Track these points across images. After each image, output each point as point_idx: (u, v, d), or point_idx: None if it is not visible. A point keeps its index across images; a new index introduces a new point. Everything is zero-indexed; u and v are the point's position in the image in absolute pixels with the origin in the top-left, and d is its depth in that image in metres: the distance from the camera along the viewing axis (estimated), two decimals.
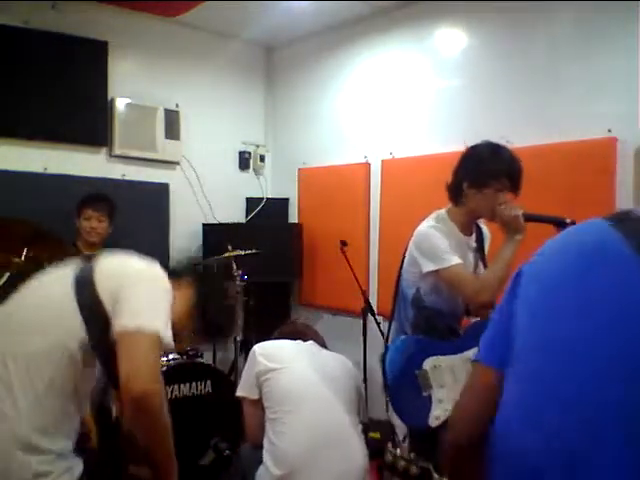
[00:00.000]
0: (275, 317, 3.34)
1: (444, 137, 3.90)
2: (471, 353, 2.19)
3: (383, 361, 2.39)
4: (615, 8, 3.09)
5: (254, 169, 5.14)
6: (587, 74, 3.24)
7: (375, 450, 2.38)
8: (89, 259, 1.66)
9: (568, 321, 0.98)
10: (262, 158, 5.17)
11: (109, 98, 4.26)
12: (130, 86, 4.36)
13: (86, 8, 4.11)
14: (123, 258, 1.68)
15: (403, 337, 2.38)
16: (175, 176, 4.65)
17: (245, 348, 4.35)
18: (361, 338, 3.88)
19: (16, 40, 3.84)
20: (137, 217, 4.25)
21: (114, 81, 4.27)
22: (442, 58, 3.99)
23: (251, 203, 5.03)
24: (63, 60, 4.04)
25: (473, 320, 2.50)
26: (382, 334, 3.47)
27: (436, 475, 1.17)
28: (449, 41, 3.95)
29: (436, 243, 2.31)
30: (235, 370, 4.01)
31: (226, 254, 3.91)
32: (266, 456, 2.30)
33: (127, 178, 4.37)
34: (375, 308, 3.88)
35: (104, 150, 4.31)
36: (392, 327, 2.53)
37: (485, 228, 2.54)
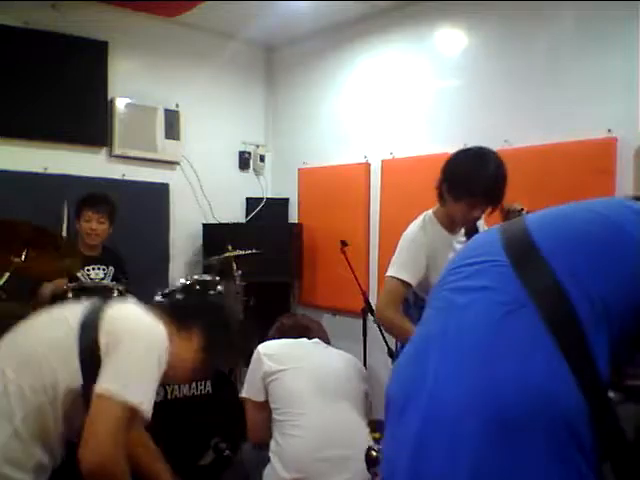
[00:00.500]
0: (275, 317, 3.34)
1: (444, 137, 3.90)
2: None
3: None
4: (615, 8, 3.09)
5: (254, 169, 5.14)
6: (587, 74, 3.24)
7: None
8: (100, 302, 1.65)
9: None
10: (262, 158, 5.17)
11: (109, 98, 4.26)
12: (130, 86, 4.36)
13: (86, 8, 4.11)
14: (130, 311, 1.65)
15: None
16: (175, 176, 4.65)
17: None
18: (361, 338, 3.88)
19: (16, 40, 3.84)
20: (137, 217, 4.25)
21: (114, 81, 4.27)
22: (442, 58, 3.99)
23: (251, 203, 5.03)
24: (63, 60, 4.04)
25: None
26: (382, 334, 3.47)
27: None
28: (449, 41, 3.95)
29: (402, 253, 2.39)
30: (235, 370, 4.00)
31: (226, 254, 3.91)
32: (274, 458, 2.27)
33: (127, 178, 4.37)
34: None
35: (104, 150, 4.31)
36: None
37: (482, 224, 2.52)
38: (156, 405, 1.55)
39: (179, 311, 1.78)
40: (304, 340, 2.55)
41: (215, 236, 4.51)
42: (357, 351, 3.85)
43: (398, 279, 2.34)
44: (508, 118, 3.54)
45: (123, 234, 3.84)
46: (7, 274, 2.75)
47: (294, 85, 5.02)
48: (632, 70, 3.01)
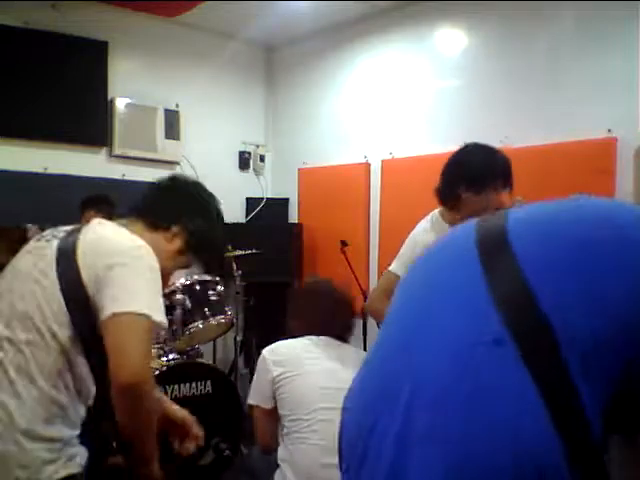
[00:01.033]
0: (275, 317, 3.33)
1: (444, 137, 3.90)
2: None
3: None
4: (615, 8, 3.09)
5: (254, 169, 5.14)
6: (587, 74, 3.24)
7: None
8: (74, 230, 1.59)
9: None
10: (262, 158, 5.17)
11: (109, 98, 4.26)
12: (130, 86, 4.36)
13: (86, 8, 4.11)
14: (108, 232, 1.59)
15: None
16: None
17: (245, 348, 4.36)
18: (361, 338, 3.88)
19: (16, 40, 3.84)
20: None
21: (114, 81, 4.27)
22: (442, 58, 3.99)
23: (251, 203, 5.03)
24: (63, 60, 4.04)
25: None
26: None
27: None
28: (449, 41, 3.95)
29: (404, 249, 2.40)
30: (235, 370, 4.01)
31: (226, 254, 3.91)
32: (284, 465, 2.20)
33: (127, 178, 4.37)
34: None
35: (104, 150, 4.31)
36: None
37: None
38: None
39: (156, 212, 1.73)
40: (310, 341, 2.40)
41: None
42: None
43: (394, 274, 2.37)
44: (508, 118, 3.54)
45: None
46: None
47: (294, 85, 5.02)
48: (632, 70, 3.01)
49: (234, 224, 4.81)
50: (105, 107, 4.24)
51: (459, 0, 3.79)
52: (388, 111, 4.30)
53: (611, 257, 0.80)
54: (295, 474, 2.17)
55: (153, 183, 1.87)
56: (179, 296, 3.28)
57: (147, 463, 1.53)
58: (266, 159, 5.21)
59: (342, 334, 2.50)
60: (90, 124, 4.19)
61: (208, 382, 3.26)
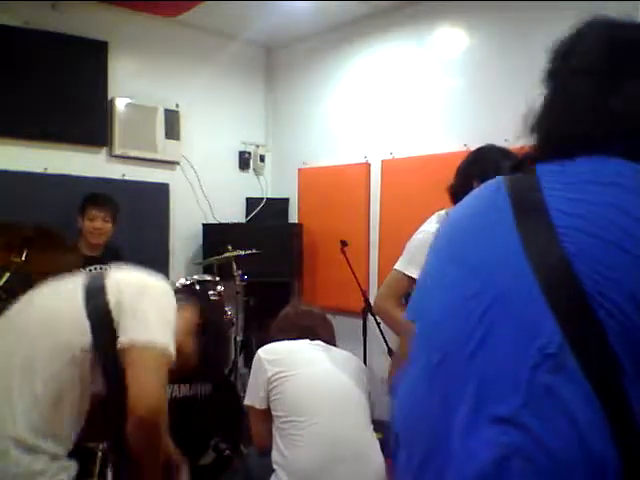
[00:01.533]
0: (275, 317, 3.33)
1: (444, 137, 3.90)
2: None
3: None
4: (615, 8, 3.09)
5: (254, 169, 5.14)
6: None
7: None
8: (100, 272, 1.70)
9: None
10: (262, 158, 5.17)
11: (109, 98, 4.26)
12: (130, 86, 4.36)
13: (86, 8, 4.11)
14: (133, 271, 1.70)
15: None
16: (175, 176, 4.65)
17: (245, 348, 4.36)
18: (361, 338, 3.88)
19: (16, 40, 3.84)
20: (137, 217, 4.25)
21: (114, 81, 4.27)
22: (442, 58, 3.99)
23: (251, 203, 5.03)
24: (63, 60, 4.03)
25: None
26: (382, 334, 3.47)
27: None
28: (449, 41, 3.95)
29: (411, 249, 2.38)
30: (235, 370, 4.01)
31: (226, 254, 3.91)
32: (279, 470, 2.19)
33: (127, 178, 4.37)
34: None
35: (104, 150, 4.31)
36: None
37: None
38: None
39: (178, 293, 1.82)
40: (306, 343, 2.43)
41: (215, 236, 4.51)
42: (357, 351, 3.85)
43: (403, 273, 2.34)
44: (508, 118, 3.53)
45: (123, 234, 3.84)
46: (7, 274, 2.75)
47: (294, 85, 5.02)
48: None
49: (234, 224, 4.82)
50: (105, 107, 4.24)
51: (459, 0, 3.79)
52: (388, 111, 4.30)
53: None
54: (290, 478, 2.16)
55: None
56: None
57: None
58: (266, 159, 5.21)
59: (331, 340, 2.55)
60: (90, 124, 4.18)
61: (208, 382, 3.26)
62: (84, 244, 3.60)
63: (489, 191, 1.00)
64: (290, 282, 4.91)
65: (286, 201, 5.02)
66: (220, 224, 4.76)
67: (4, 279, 2.73)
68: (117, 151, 4.32)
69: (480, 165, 2.34)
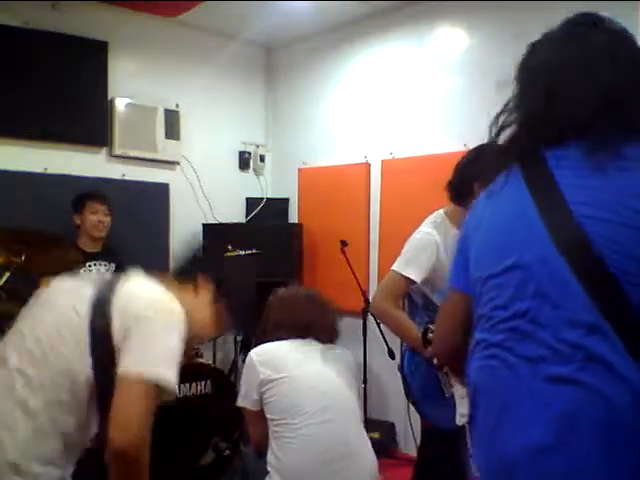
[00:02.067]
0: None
1: (444, 137, 3.90)
2: None
3: (401, 370, 2.39)
4: (615, 8, 3.09)
5: (254, 169, 5.14)
6: None
7: (375, 450, 2.37)
8: (113, 280, 1.62)
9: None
10: (262, 158, 5.17)
11: (109, 98, 4.26)
12: (130, 86, 4.36)
13: (86, 8, 4.11)
14: (143, 286, 1.61)
15: None
16: (175, 176, 4.65)
17: (245, 348, 4.36)
18: (361, 338, 3.88)
19: (16, 40, 3.84)
20: (137, 217, 4.25)
21: (114, 81, 4.27)
22: (442, 58, 3.99)
23: (251, 203, 5.03)
24: (63, 60, 4.03)
25: None
26: (382, 334, 3.47)
27: None
28: (449, 41, 3.95)
29: (410, 249, 2.37)
30: (235, 370, 4.01)
31: (226, 254, 3.91)
32: (273, 473, 2.19)
33: (127, 178, 4.37)
34: None
35: (104, 150, 4.31)
36: None
37: None
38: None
39: (185, 273, 1.79)
40: (298, 343, 2.40)
41: (215, 236, 4.51)
42: (357, 351, 3.85)
43: (401, 274, 2.33)
44: None
45: (123, 234, 3.84)
46: (7, 274, 2.75)
47: (294, 85, 5.02)
48: None
49: (234, 224, 4.82)
50: (105, 107, 4.24)
51: (459, 0, 3.79)
52: (388, 111, 4.30)
53: None
54: None
55: None
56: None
57: None
58: (266, 159, 5.21)
59: (328, 335, 2.51)
60: (90, 124, 4.18)
61: (208, 382, 3.27)
62: (84, 241, 3.61)
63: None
64: (290, 282, 4.90)
65: (286, 201, 5.02)
66: (220, 224, 4.76)
67: (4, 279, 2.74)
68: (117, 151, 4.32)
69: (480, 164, 2.33)
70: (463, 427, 2.34)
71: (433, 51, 4.04)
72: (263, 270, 4.27)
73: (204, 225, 4.67)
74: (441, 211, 2.45)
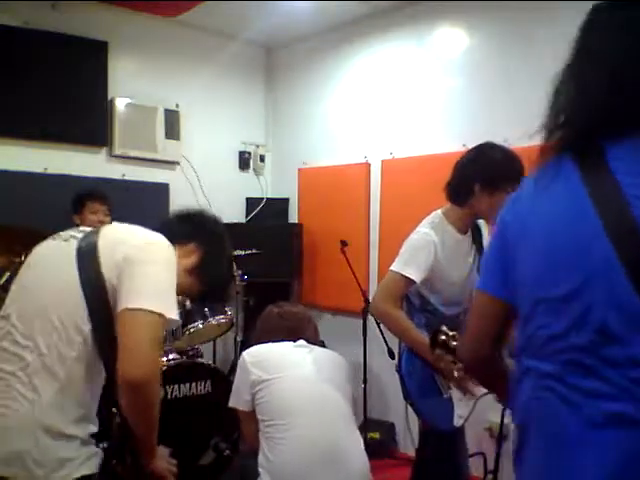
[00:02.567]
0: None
1: (444, 137, 3.90)
2: None
3: (399, 371, 2.39)
4: None
5: (254, 169, 5.14)
6: None
7: (375, 450, 2.37)
8: (93, 231, 1.61)
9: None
10: (262, 158, 5.17)
11: (109, 98, 4.26)
12: (130, 86, 4.37)
13: (86, 8, 4.11)
14: (128, 228, 1.63)
15: None
16: (175, 176, 4.65)
17: (245, 348, 4.35)
18: (361, 338, 3.88)
19: (16, 40, 3.84)
20: (137, 217, 4.19)
21: (114, 81, 4.27)
22: (442, 58, 3.99)
23: (251, 203, 5.03)
24: (63, 60, 4.04)
25: None
26: (382, 334, 3.47)
27: None
28: (449, 41, 3.95)
29: (409, 249, 2.36)
30: (235, 370, 4.01)
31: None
32: (263, 473, 2.18)
33: (127, 178, 4.37)
34: None
35: (104, 150, 4.31)
36: None
37: (483, 223, 2.54)
38: None
39: (176, 229, 1.76)
40: (289, 345, 2.42)
41: None
42: (357, 351, 3.86)
43: (401, 274, 2.32)
44: (508, 118, 3.54)
45: None
46: (7, 274, 2.75)
47: (294, 85, 5.02)
48: None
49: (234, 224, 4.82)
50: (105, 107, 4.24)
51: (459, 0, 3.79)
52: (388, 111, 4.30)
53: None
54: None
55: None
56: (179, 297, 3.28)
57: (151, 455, 1.55)
58: (266, 159, 5.21)
59: (315, 340, 2.54)
60: (90, 124, 4.19)
61: (208, 382, 3.27)
62: None
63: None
64: (290, 282, 4.91)
65: (286, 201, 5.02)
66: None
67: (4, 279, 2.74)
68: (117, 151, 4.32)
69: (480, 164, 2.33)
70: (461, 428, 2.35)
71: (433, 51, 4.04)
72: (263, 270, 4.27)
73: None
74: (439, 211, 2.45)
